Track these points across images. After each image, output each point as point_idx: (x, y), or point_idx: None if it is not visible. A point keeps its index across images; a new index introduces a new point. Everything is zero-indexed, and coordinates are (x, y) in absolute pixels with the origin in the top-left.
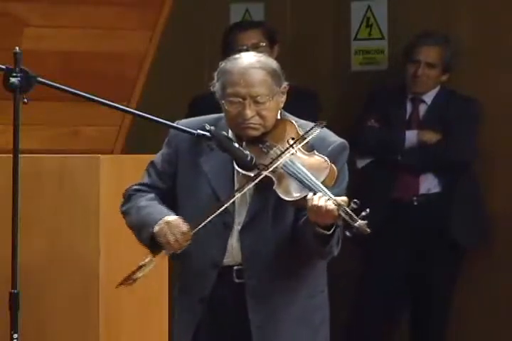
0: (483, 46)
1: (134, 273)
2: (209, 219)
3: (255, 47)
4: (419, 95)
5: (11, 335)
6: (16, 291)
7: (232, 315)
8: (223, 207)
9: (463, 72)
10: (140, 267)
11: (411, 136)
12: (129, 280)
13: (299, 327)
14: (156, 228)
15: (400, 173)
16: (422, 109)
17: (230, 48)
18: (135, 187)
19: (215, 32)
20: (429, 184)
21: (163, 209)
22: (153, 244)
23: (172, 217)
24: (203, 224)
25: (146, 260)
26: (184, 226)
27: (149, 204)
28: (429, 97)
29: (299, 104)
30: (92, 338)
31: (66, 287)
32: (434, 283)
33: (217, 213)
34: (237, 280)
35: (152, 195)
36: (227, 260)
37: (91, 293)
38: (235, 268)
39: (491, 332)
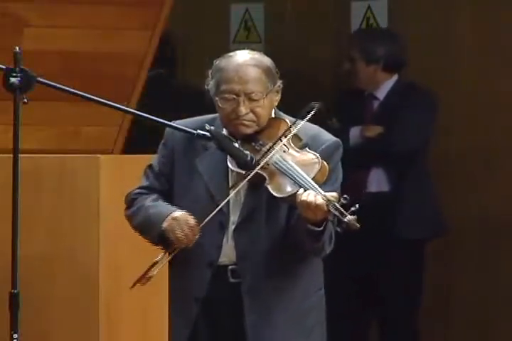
0: (483, 46)
1: (148, 271)
2: (214, 212)
3: None
4: (372, 92)
5: (11, 335)
6: (16, 291)
7: (227, 315)
8: (226, 200)
9: (463, 71)
10: (154, 264)
11: (354, 133)
12: (143, 278)
13: (293, 327)
14: (165, 224)
15: (349, 171)
16: (375, 105)
17: None
18: (136, 191)
19: (215, 32)
20: (378, 182)
21: (169, 206)
22: (164, 240)
23: (179, 213)
24: (210, 217)
25: (159, 257)
26: (192, 220)
27: (155, 204)
28: (381, 93)
29: None
30: (92, 338)
31: (66, 287)
32: (387, 283)
33: (219, 208)
34: (232, 280)
35: (156, 196)
36: (222, 259)
37: (91, 293)
38: (230, 267)
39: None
